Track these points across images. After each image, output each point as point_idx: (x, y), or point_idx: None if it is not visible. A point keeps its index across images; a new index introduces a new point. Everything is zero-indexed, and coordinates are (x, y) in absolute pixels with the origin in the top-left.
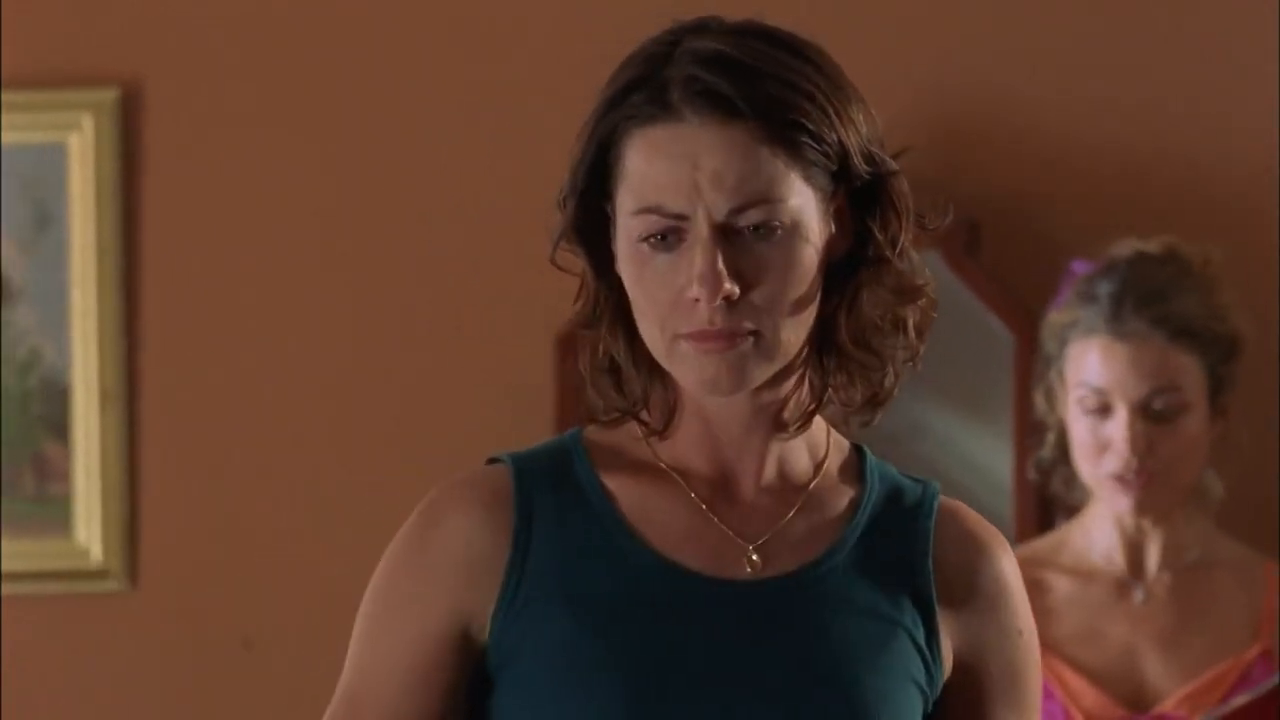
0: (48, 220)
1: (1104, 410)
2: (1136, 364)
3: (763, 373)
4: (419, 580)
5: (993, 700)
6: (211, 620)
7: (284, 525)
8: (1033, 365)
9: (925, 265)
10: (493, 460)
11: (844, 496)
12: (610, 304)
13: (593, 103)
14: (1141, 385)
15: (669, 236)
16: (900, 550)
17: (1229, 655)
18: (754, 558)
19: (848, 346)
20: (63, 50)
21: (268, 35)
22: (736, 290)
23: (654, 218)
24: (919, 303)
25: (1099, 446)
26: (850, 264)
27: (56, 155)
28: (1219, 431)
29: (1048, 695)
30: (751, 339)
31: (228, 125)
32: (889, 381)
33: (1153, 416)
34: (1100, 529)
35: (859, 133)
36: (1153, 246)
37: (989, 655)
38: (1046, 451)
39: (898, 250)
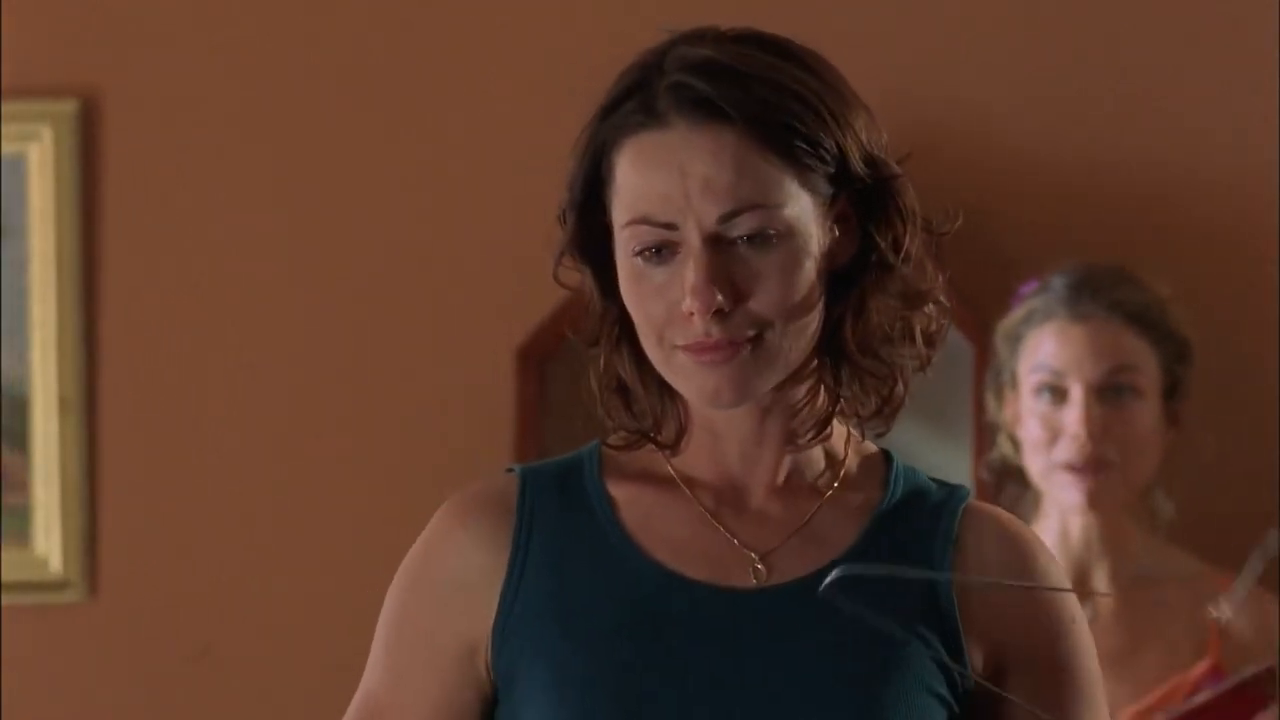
0: (7, 231)
1: (1059, 396)
2: (1093, 343)
3: (765, 382)
4: (426, 604)
5: (1057, 693)
6: (171, 630)
7: (243, 535)
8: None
9: (936, 272)
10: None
11: (862, 502)
12: (615, 321)
13: (583, 116)
14: (1099, 365)
15: (663, 250)
16: (918, 554)
17: (1177, 672)
18: (759, 566)
19: (855, 355)
20: (22, 62)
21: (226, 47)
22: (728, 303)
23: (644, 228)
24: (927, 309)
25: (1052, 435)
26: (856, 270)
27: (16, 167)
28: (1171, 440)
29: None
30: (750, 346)
31: (186, 137)
32: (899, 391)
33: (1108, 400)
34: (1048, 544)
35: (858, 136)
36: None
37: (1042, 650)
38: (997, 453)
39: (902, 256)
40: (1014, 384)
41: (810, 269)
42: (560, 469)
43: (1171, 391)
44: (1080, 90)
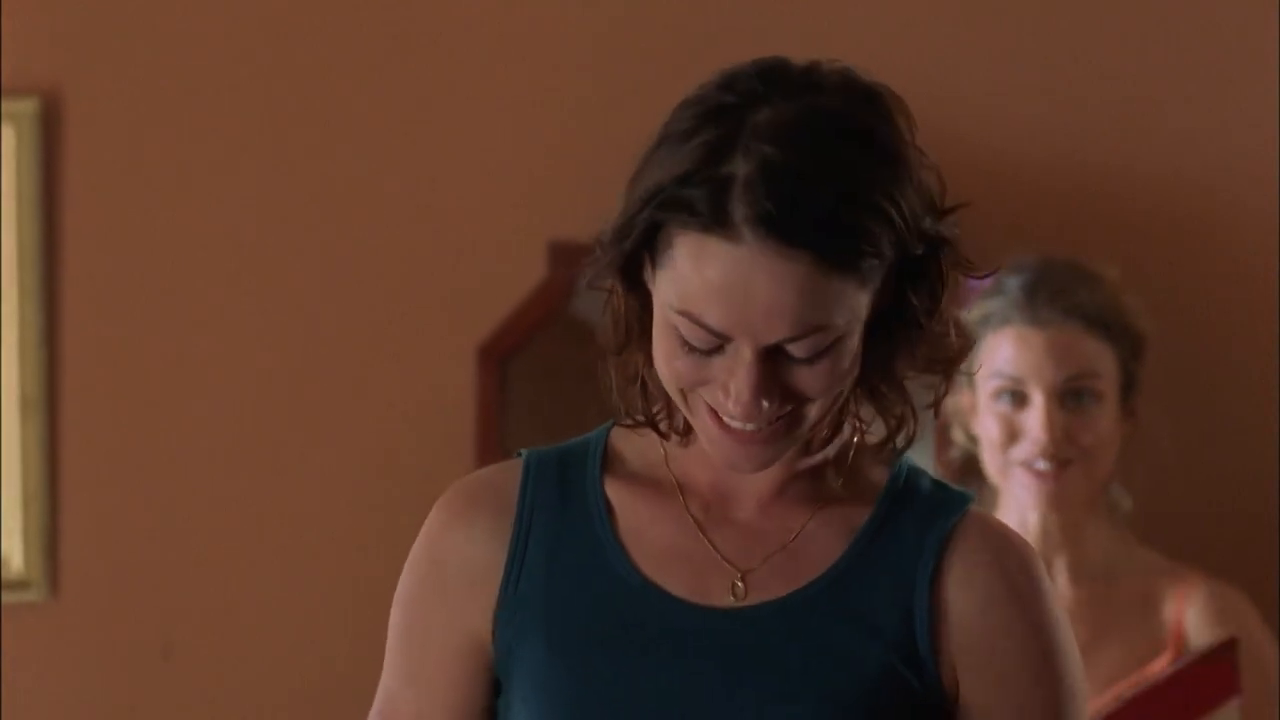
0: None
1: (1019, 400)
2: (1053, 350)
3: (788, 449)
4: (432, 602)
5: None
6: (132, 629)
7: (204, 534)
8: None
9: (963, 321)
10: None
11: (854, 516)
12: (642, 326)
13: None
14: (1060, 371)
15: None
16: (901, 569)
17: (1137, 668)
18: (739, 584)
19: (879, 388)
20: None
21: (188, 47)
22: (775, 408)
23: (689, 324)
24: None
25: (1011, 436)
26: (889, 319)
27: None
28: (1128, 433)
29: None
30: (785, 420)
31: (147, 136)
32: (909, 426)
33: (1069, 405)
34: None
35: (917, 213)
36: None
37: (1002, 677)
38: (957, 449)
39: (935, 319)
40: (970, 382)
41: (856, 346)
42: (564, 458)
43: (1128, 388)
44: (1046, 86)
